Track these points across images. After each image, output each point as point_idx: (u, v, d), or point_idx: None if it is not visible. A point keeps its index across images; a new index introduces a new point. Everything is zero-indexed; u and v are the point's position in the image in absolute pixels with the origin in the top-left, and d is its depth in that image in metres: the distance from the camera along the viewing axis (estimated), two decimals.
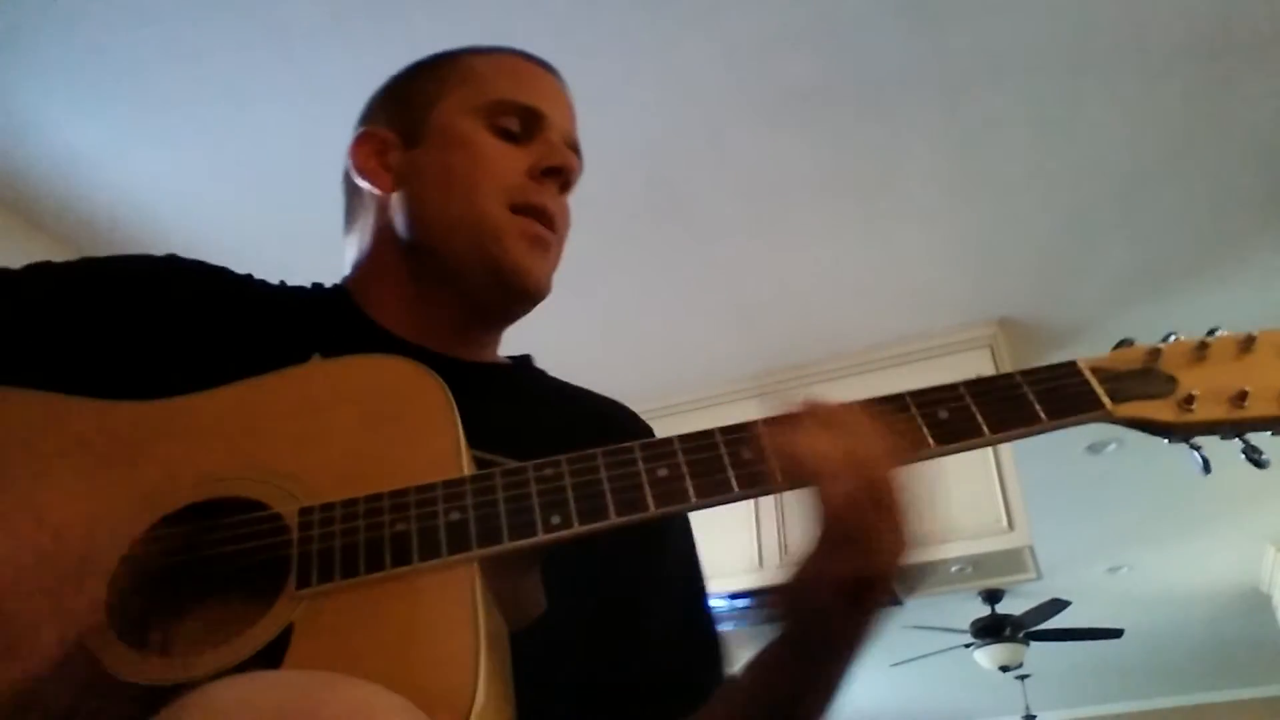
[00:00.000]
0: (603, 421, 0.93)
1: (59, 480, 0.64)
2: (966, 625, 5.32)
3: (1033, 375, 0.66)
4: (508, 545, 0.58)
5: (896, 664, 5.71)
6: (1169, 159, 2.71)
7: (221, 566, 0.60)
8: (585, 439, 0.84)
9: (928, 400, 0.65)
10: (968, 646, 5.45)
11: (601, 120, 2.45)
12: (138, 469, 0.65)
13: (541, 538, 0.59)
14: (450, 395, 0.66)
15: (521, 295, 0.86)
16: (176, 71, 2.33)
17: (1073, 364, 0.67)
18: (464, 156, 0.85)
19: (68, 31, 2.21)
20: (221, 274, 0.89)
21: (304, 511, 0.60)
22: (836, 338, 3.46)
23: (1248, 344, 0.67)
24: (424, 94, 0.90)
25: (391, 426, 0.66)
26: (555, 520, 0.59)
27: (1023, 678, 6.20)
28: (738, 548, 3.36)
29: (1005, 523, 3.10)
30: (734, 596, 3.30)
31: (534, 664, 0.62)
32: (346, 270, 0.92)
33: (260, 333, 0.83)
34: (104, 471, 0.65)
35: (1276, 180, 2.79)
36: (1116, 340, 0.70)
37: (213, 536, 0.61)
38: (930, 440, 0.64)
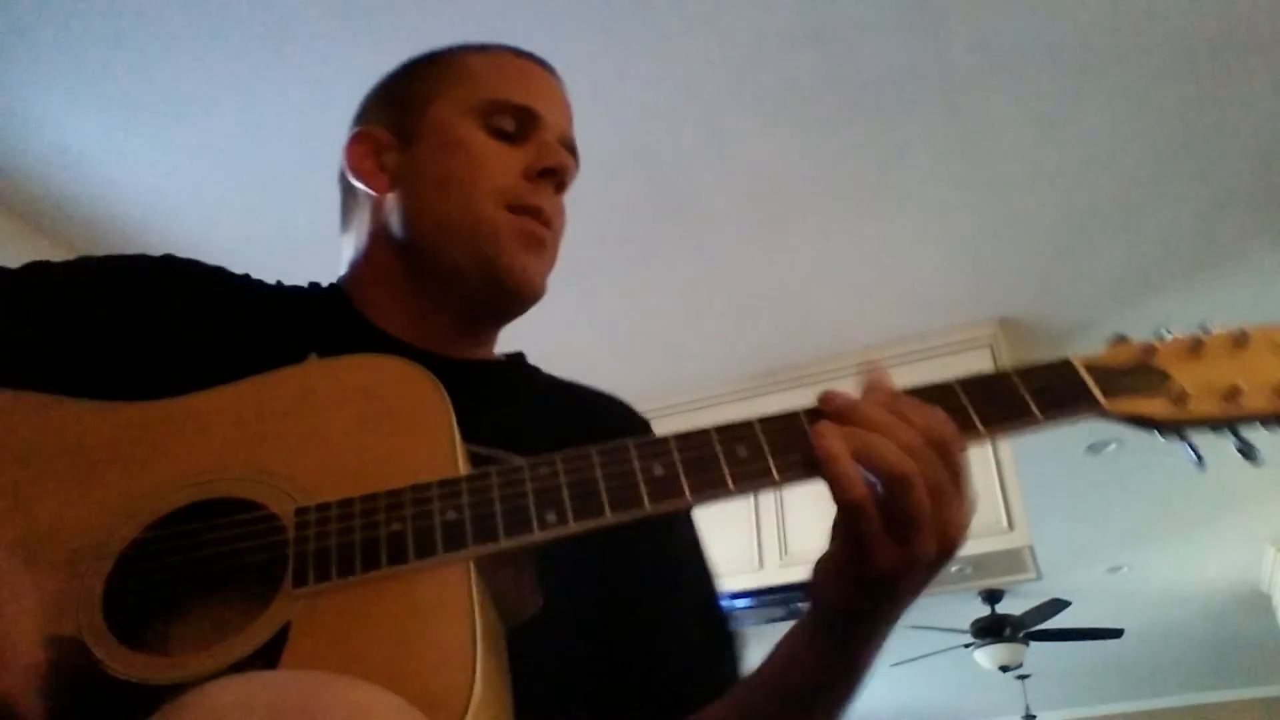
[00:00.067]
0: (598, 415, 0.93)
1: (56, 482, 0.64)
2: (966, 625, 5.32)
3: (1027, 372, 0.66)
4: (503, 543, 0.58)
5: (896, 664, 5.71)
6: (1169, 159, 2.71)
7: (218, 566, 0.60)
8: (581, 432, 0.84)
9: (923, 398, 0.64)
10: (968, 646, 5.45)
11: (601, 120, 2.45)
12: (134, 470, 0.65)
13: (537, 535, 0.59)
14: (445, 395, 0.66)
15: (517, 295, 0.86)
16: (177, 71, 2.33)
17: (1067, 361, 0.67)
18: (459, 158, 0.85)
19: (68, 31, 2.21)
20: (218, 274, 0.89)
21: (300, 511, 0.60)
22: (836, 338, 3.46)
23: (1241, 340, 0.67)
24: (419, 93, 0.90)
25: (387, 426, 0.66)
26: (551, 518, 0.59)
27: (1023, 678, 6.20)
28: (738, 548, 3.36)
29: (1005, 523, 3.10)
30: (734, 596, 3.31)
31: (536, 662, 0.62)
32: (343, 269, 0.92)
33: (257, 333, 0.83)
34: (101, 472, 0.65)
35: (1276, 180, 2.79)
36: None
37: (209, 536, 0.61)
38: None
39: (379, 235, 0.88)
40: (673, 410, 3.58)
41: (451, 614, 0.55)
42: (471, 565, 0.58)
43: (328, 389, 0.69)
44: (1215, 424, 0.65)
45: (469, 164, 0.84)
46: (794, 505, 3.38)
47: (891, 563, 0.60)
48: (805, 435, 0.62)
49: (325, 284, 0.93)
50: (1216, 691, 7.54)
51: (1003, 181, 2.80)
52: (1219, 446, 0.67)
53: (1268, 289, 3.19)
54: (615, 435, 0.87)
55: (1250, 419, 0.64)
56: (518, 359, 0.96)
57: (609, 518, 0.59)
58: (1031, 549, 3.24)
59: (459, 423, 0.66)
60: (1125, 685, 7.33)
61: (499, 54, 0.92)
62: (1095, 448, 4.06)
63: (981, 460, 3.14)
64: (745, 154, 2.68)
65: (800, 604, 3.24)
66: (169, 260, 0.87)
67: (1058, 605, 5.11)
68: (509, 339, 0.96)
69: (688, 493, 0.60)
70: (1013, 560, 3.31)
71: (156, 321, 0.80)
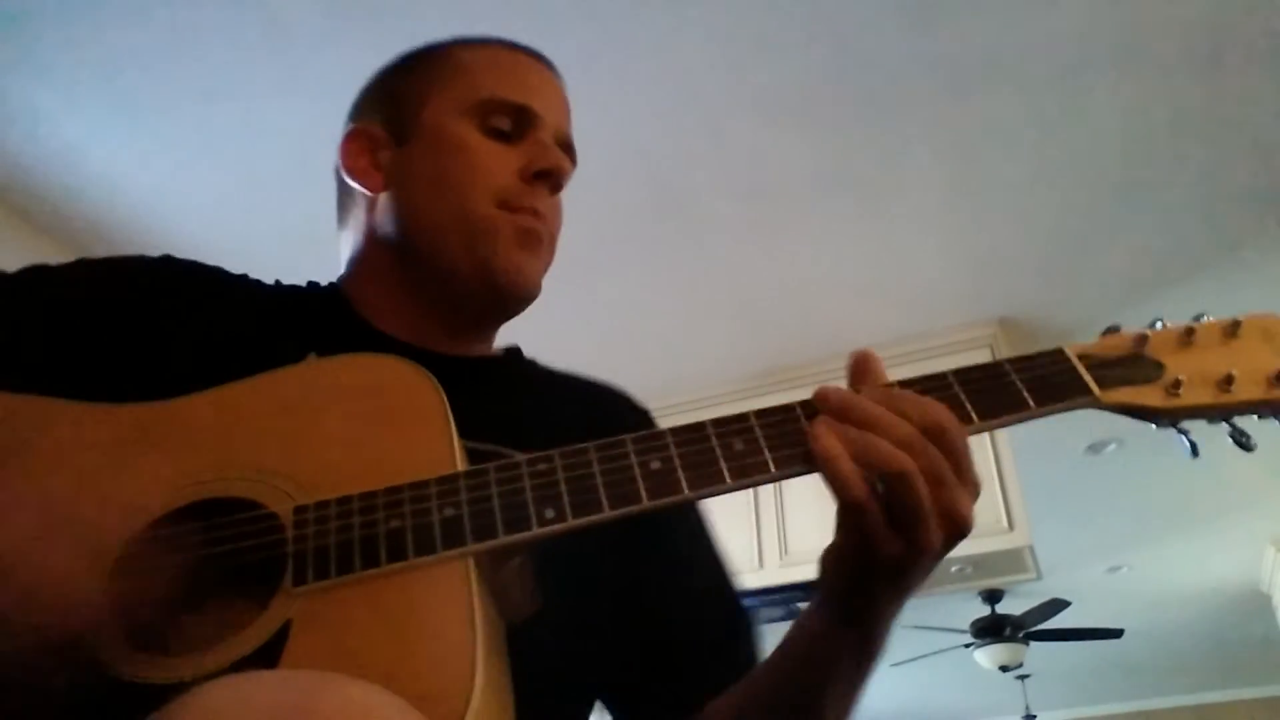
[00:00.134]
0: (597, 405, 0.93)
1: (56, 484, 0.64)
2: (966, 625, 5.32)
3: (1020, 363, 0.66)
4: (502, 540, 0.59)
5: (896, 664, 5.71)
6: (1168, 159, 2.71)
7: (218, 566, 0.60)
8: (580, 424, 0.84)
9: (917, 389, 0.64)
10: (968, 646, 5.45)
11: (601, 120, 2.45)
12: (133, 471, 0.65)
13: (536, 531, 0.59)
14: (443, 393, 0.66)
15: (513, 295, 0.86)
16: (177, 71, 2.34)
17: (1060, 351, 0.67)
18: (455, 159, 0.84)
19: (68, 32, 2.21)
20: (217, 274, 0.89)
21: (299, 510, 0.61)
22: (836, 338, 3.46)
23: (1233, 329, 0.67)
24: (414, 90, 0.89)
25: (385, 425, 0.66)
26: (549, 514, 0.59)
27: (1023, 678, 6.20)
28: (738, 548, 3.36)
29: (1005, 523, 3.10)
30: None
31: (536, 658, 0.62)
32: (341, 268, 0.92)
33: (255, 333, 0.83)
34: (101, 474, 0.65)
35: (1275, 180, 2.79)
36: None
37: (209, 536, 0.61)
38: None
39: (374, 234, 0.88)
40: (673, 410, 3.56)
41: (451, 611, 0.55)
42: (471, 562, 0.58)
43: (326, 388, 0.69)
44: (1209, 413, 0.65)
45: (464, 165, 0.84)
46: (794, 505, 3.38)
47: (896, 554, 0.60)
48: (801, 429, 0.62)
49: (324, 283, 0.93)
50: (1216, 691, 7.54)
51: (1003, 181, 2.80)
52: (1218, 446, 0.67)
53: (1268, 289, 3.19)
54: (615, 425, 0.88)
55: (1244, 408, 0.64)
56: (514, 353, 0.96)
57: (607, 513, 0.60)
58: (1031, 549, 3.24)
59: (457, 420, 0.66)
60: (1125, 685, 7.33)
61: (495, 48, 0.91)
62: (1095, 448, 4.06)
63: (981, 461, 3.11)
64: (745, 154, 2.68)
65: (800, 604, 3.24)
66: (167, 261, 0.87)
67: (1058, 605, 5.11)
68: (507, 338, 0.96)
69: (685, 487, 0.61)
70: (1013, 560, 3.31)
71: (155, 322, 0.80)
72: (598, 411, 0.91)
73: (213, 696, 0.44)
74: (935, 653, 5.48)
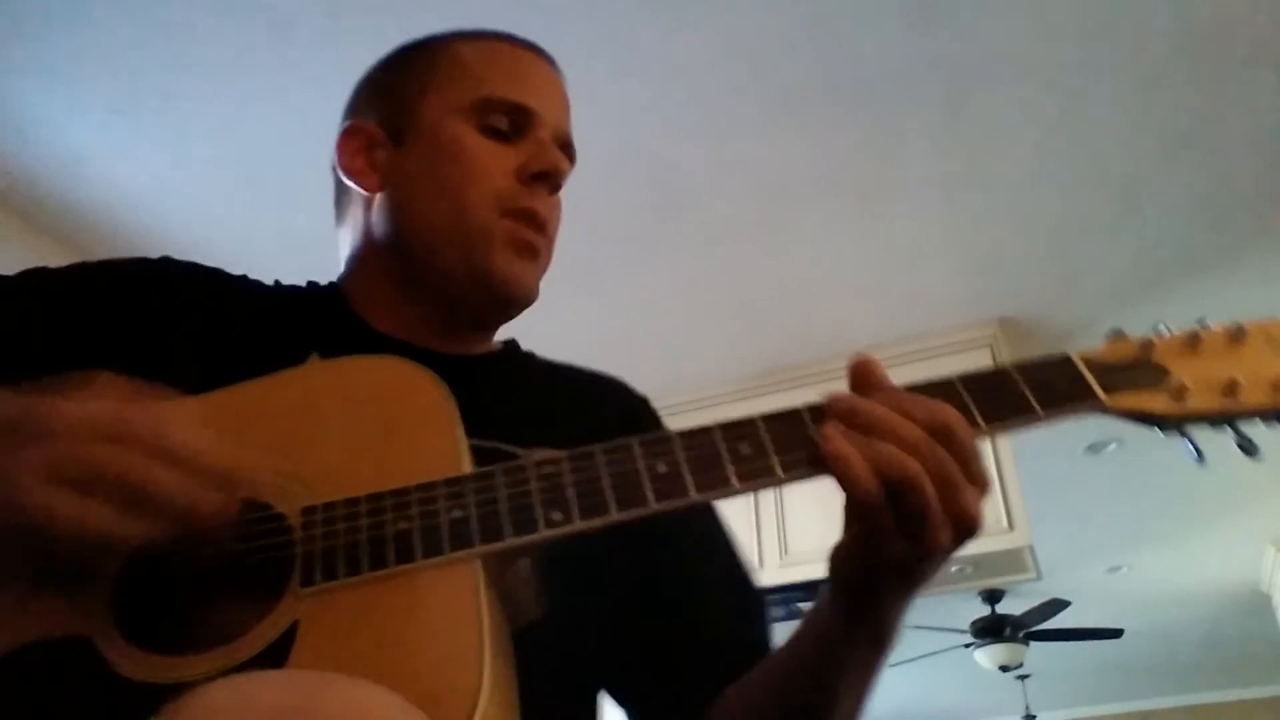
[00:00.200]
0: (595, 396, 0.93)
1: None
2: (966, 625, 5.32)
3: (1027, 368, 0.66)
4: (510, 542, 0.59)
5: (896, 664, 5.69)
6: (1169, 159, 2.71)
7: (225, 566, 0.60)
8: (579, 415, 0.84)
9: (924, 394, 0.64)
10: (968, 646, 5.45)
11: (601, 120, 2.45)
12: None
13: (543, 534, 0.59)
14: (449, 394, 0.67)
15: (509, 302, 0.86)
16: (176, 71, 2.33)
17: (1067, 357, 0.67)
18: (452, 161, 0.84)
19: (68, 32, 2.21)
20: (216, 275, 0.89)
21: (307, 511, 0.61)
22: (836, 338, 3.46)
23: (1238, 335, 0.67)
24: (410, 87, 0.88)
25: (391, 426, 0.66)
26: (556, 517, 0.59)
27: (1023, 678, 6.20)
28: None
29: (1005, 523, 3.10)
30: None
31: (541, 660, 0.62)
32: (340, 267, 0.92)
33: (256, 334, 0.83)
34: None
35: (1276, 180, 2.80)
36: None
37: (216, 536, 0.61)
38: None
39: (371, 235, 0.87)
40: (673, 410, 3.54)
41: (458, 613, 0.55)
42: (478, 564, 0.58)
43: (332, 390, 0.69)
44: (1214, 419, 0.65)
45: (462, 167, 0.83)
46: (794, 505, 3.38)
47: (904, 554, 0.60)
48: (809, 432, 0.62)
49: (325, 283, 0.93)
50: (1216, 691, 7.54)
51: (1003, 181, 2.80)
52: (1219, 446, 0.67)
53: (1269, 289, 3.19)
54: (614, 414, 0.88)
55: (1249, 414, 0.64)
56: (512, 347, 0.96)
57: (614, 516, 0.60)
58: (1031, 549, 3.24)
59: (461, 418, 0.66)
60: (1125, 685, 7.33)
61: (493, 42, 0.90)
62: (1095, 448, 4.06)
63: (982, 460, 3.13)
64: (746, 154, 2.68)
65: (801, 604, 3.24)
66: (167, 262, 0.87)
67: (1058, 605, 5.11)
68: (505, 336, 0.96)
69: (692, 491, 0.61)
70: (1013, 560, 3.30)
71: (155, 324, 0.80)
72: (597, 401, 0.91)
73: (215, 696, 0.44)
74: (935, 653, 5.47)
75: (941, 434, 0.60)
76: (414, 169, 0.85)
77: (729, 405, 3.63)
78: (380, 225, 0.86)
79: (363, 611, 0.56)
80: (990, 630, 5.28)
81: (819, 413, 0.63)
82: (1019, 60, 2.39)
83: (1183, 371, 0.66)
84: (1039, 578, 3.54)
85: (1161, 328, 0.69)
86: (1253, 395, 0.64)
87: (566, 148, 0.90)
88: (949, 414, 0.61)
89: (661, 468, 0.61)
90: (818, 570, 3.46)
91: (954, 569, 3.40)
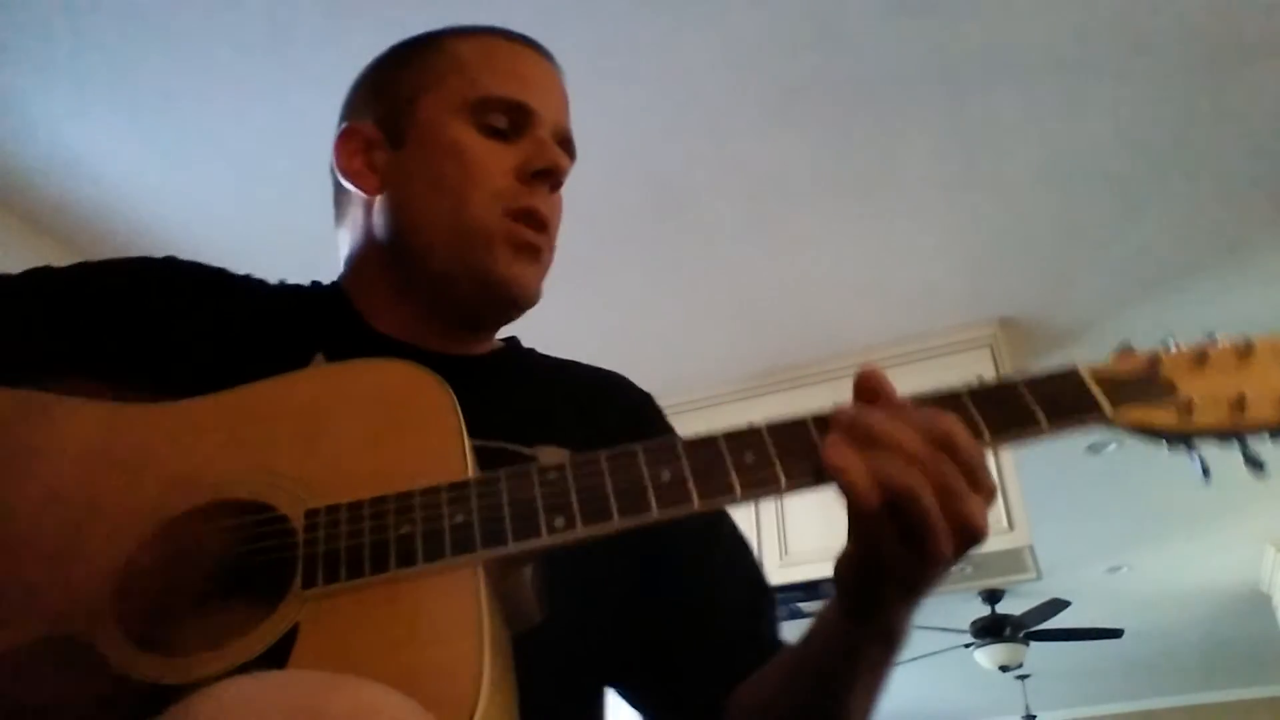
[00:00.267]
0: (599, 393, 0.93)
1: (65, 483, 0.64)
2: (966, 625, 5.32)
3: (1033, 381, 0.66)
4: (512, 547, 0.59)
5: (896, 664, 5.69)
6: (1169, 159, 2.71)
7: (227, 567, 0.60)
8: (583, 413, 0.84)
9: (930, 404, 0.64)
10: (968, 646, 5.45)
11: (601, 120, 2.45)
12: (143, 472, 0.65)
13: (546, 540, 0.59)
14: (454, 398, 0.66)
15: (511, 304, 0.85)
16: (178, 72, 2.33)
17: (1074, 370, 0.67)
18: (451, 162, 0.83)
19: (68, 32, 2.21)
20: (220, 275, 0.89)
21: (310, 513, 0.61)
22: (836, 338, 3.46)
23: (1247, 350, 0.67)
24: (407, 86, 0.87)
25: (396, 429, 0.66)
26: (559, 523, 0.59)
27: (1023, 678, 6.20)
28: None
29: (1005, 522, 3.10)
30: None
31: (541, 666, 0.62)
32: (340, 267, 0.92)
33: (260, 334, 0.83)
34: (110, 474, 0.65)
35: (1276, 180, 2.79)
36: (1117, 339, 0.70)
37: (219, 538, 0.61)
38: None
39: (371, 237, 0.87)
40: (673, 410, 3.53)
41: (459, 618, 0.55)
42: (480, 569, 0.58)
43: (336, 393, 0.69)
44: (1222, 435, 0.64)
45: (461, 168, 0.83)
46: (794, 506, 3.37)
47: (908, 563, 0.60)
48: (813, 443, 0.62)
49: (327, 283, 0.93)
50: (1216, 691, 7.54)
51: (1003, 181, 2.80)
52: (1219, 449, 0.67)
53: (1269, 290, 3.19)
54: (617, 411, 0.88)
55: (1257, 430, 0.64)
56: (513, 345, 0.96)
57: (616, 523, 0.59)
58: (1031, 549, 3.24)
59: (464, 420, 0.66)
60: (1125, 685, 7.33)
61: (489, 38, 0.90)
62: (1095, 448, 4.06)
63: (987, 469, 3.13)
64: (746, 154, 2.68)
65: (801, 604, 3.24)
66: (171, 262, 0.87)
67: (1058, 605, 5.11)
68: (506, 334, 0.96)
69: (695, 499, 0.60)
70: (1013, 560, 3.30)
71: (160, 324, 0.80)
72: (601, 399, 0.91)
73: (222, 695, 0.45)
74: (935, 653, 5.47)
75: (944, 444, 0.60)
76: (413, 170, 0.85)
77: (729, 405, 3.63)
78: (381, 227, 0.86)
79: (364, 615, 0.56)
80: (990, 630, 5.28)
81: (824, 423, 0.63)
82: (1019, 60, 2.38)
83: (1190, 386, 0.65)
84: (1039, 578, 3.54)
85: (1169, 341, 0.69)
86: (1260, 411, 0.64)
87: (566, 144, 0.89)
88: (951, 424, 0.61)
89: (665, 475, 0.61)
90: (818, 570, 3.46)
91: (954, 569, 3.39)
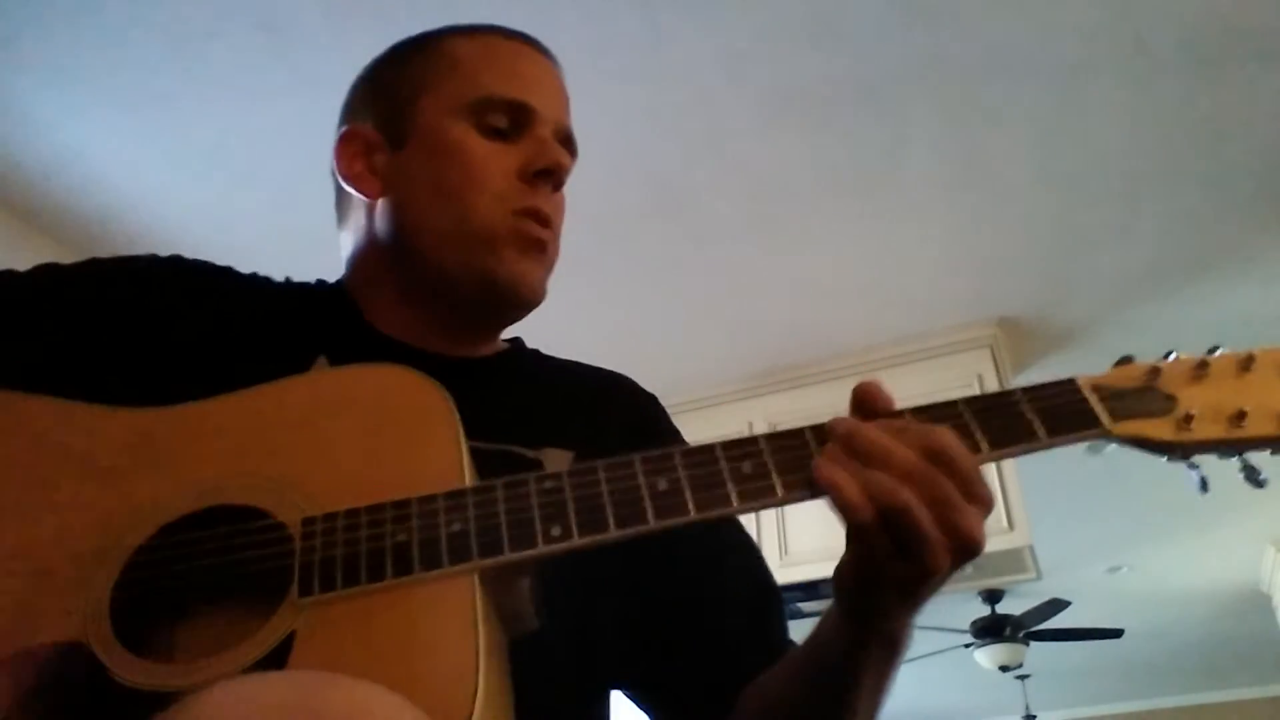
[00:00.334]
0: (603, 394, 0.92)
1: (63, 486, 0.64)
2: (966, 625, 5.32)
3: (1032, 392, 0.66)
4: (508, 556, 0.59)
5: (900, 666, 5.69)
6: (1169, 159, 2.71)
7: (224, 574, 0.60)
8: (587, 414, 0.84)
9: (927, 417, 0.64)
10: (968, 646, 5.45)
11: (602, 120, 2.45)
12: (141, 476, 0.65)
13: (542, 549, 0.59)
14: (453, 405, 0.66)
15: (516, 304, 0.85)
16: (176, 71, 2.33)
17: (1072, 381, 0.67)
18: (452, 164, 0.83)
19: (67, 31, 2.21)
20: (226, 274, 0.89)
21: (307, 521, 0.61)
22: (836, 338, 3.46)
23: (1247, 363, 0.66)
24: (407, 88, 0.87)
25: (394, 436, 0.66)
26: (555, 532, 0.59)
27: (1023, 678, 6.20)
28: None
29: (1005, 522, 3.10)
30: None
31: (536, 674, 0.62)
32: (343, 267, 0.92)
33: (264, 333, 0.83)
34: (108, 478, 0.65)
35: (1277, 180, 2.79)
36: (1116, 339, 0.70)
37: (216, 544, 0.61)
38: None
39: (373, 239, 0.87)
40: (673, 410, 3.54)
41: (456, 626, 0.55)
42: (476, 578, 0.58)
43: (336, 399, 0.69)
44: (1220, 448, 0.64)
45: (463, 170, 0.82)
46: (794, 506, 3.37)
47: (905, 574, 0.60)
48: (810, 455, 0.62)
49: (331, 282, 0.93)
50: (1216, 691, 7.54)
51: (1003, 181, 2.80)
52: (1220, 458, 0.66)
53: (1269, 290, 3.18)
54: (622, 412, 0.88)
55: (1256, 443, 0.64)
56: (517, 346, 0.95)
57: (613, 533, 0.59)
58: (1031, 549, 3.25)
59: (464, 422, 0.66)
60: (1125, 685, 7.33)
61: (488, 37, 0.89)
62: (1095, 448, 4.02)
63: (983, 481, 3.13)
64: (745, 154, 2.68)
65: (801, 604, 3.24)
66: (177, 261, 0.87)
67: (1058, 605, 5.11)
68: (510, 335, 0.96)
69: (692, 509, 0.60)
70: (1013, 560, 3.31)
71: (166, 322, 0.80)
72: (605, 400, 0.91)
73: (218, 697, 0.45)
74: (935, 653, 5.47)
75: (939, 458, 0.60)
76: (414, 173, 0.84)
77: (729, 405, 3.63)
78: (383, 230, 0.86)
79: (360, 622, 0.56)
80: (990, 630, 5.28)
81: (821, 434, 0.63)
82: (1019, 59, 2.38)
83: (1190, 399, 0.65)
84: (1039, 578, 3.54)
85: (1169, 353, 0.68)
86: (1260, 424, 0.63)
87: (567, 142, 0.89)
88: (945, 438, 0.61)
89: (662, 485, 0.61)
90: (817, 570, 3.45)
91: None
